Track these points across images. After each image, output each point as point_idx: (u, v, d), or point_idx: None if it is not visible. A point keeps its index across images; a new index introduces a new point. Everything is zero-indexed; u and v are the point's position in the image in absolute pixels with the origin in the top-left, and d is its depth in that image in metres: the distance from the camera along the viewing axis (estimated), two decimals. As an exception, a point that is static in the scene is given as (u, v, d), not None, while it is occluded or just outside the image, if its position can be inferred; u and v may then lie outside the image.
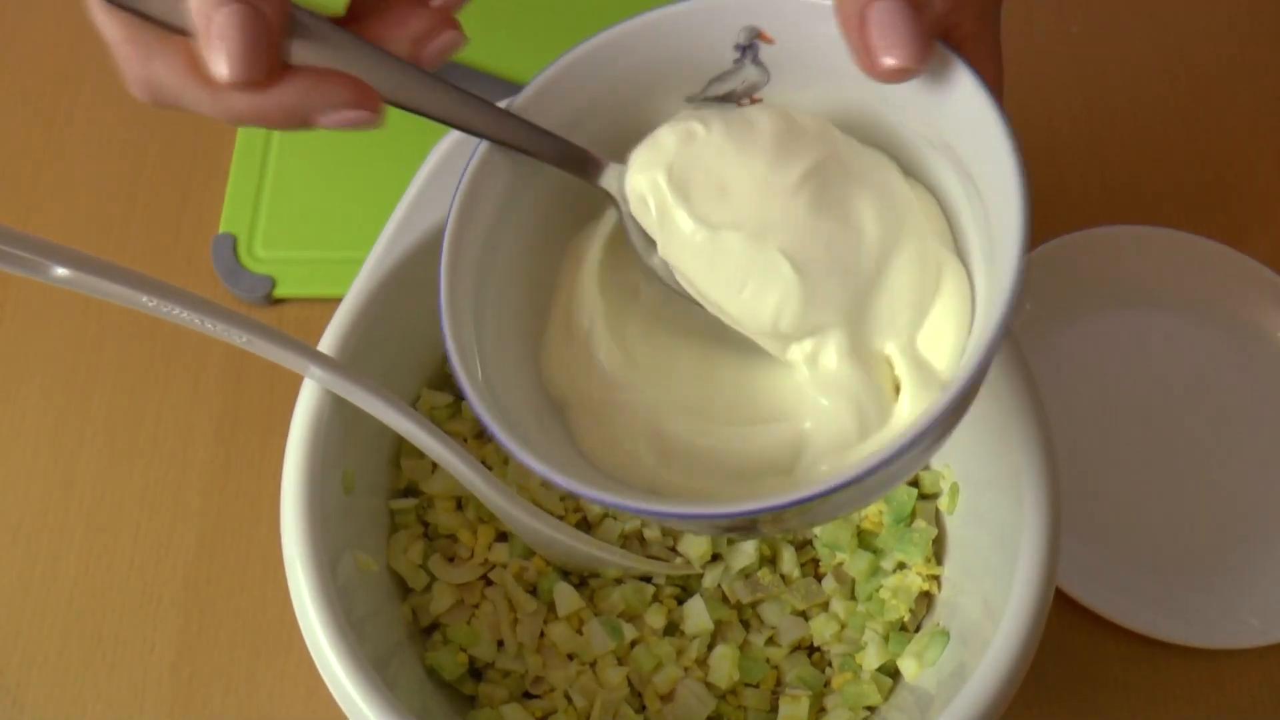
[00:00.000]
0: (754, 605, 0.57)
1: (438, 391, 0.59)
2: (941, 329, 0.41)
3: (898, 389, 0.41)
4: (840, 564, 0.57)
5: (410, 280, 0.53)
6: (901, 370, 0.41)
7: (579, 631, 0.54)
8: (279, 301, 0.73)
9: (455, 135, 0.55)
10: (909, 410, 0.40)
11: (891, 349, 0.41)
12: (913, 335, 0.41)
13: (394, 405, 0.49)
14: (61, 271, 0.39)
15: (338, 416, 0.50)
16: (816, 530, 0.57)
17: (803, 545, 0.58)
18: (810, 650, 0.57)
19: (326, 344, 0.51)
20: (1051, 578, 0.47)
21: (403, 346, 0.56)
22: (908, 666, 0.53)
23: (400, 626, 0.54)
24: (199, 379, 0.71)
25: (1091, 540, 0.66)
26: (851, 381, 0.40)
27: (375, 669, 0.45)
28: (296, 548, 0.47)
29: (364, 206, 0.74)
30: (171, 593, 0.65)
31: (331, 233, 0.75)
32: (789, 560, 0.57)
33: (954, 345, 0.40)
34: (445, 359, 0.57)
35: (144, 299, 0.41)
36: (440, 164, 0.55)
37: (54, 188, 0.78)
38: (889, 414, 0.40)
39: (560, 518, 0.57)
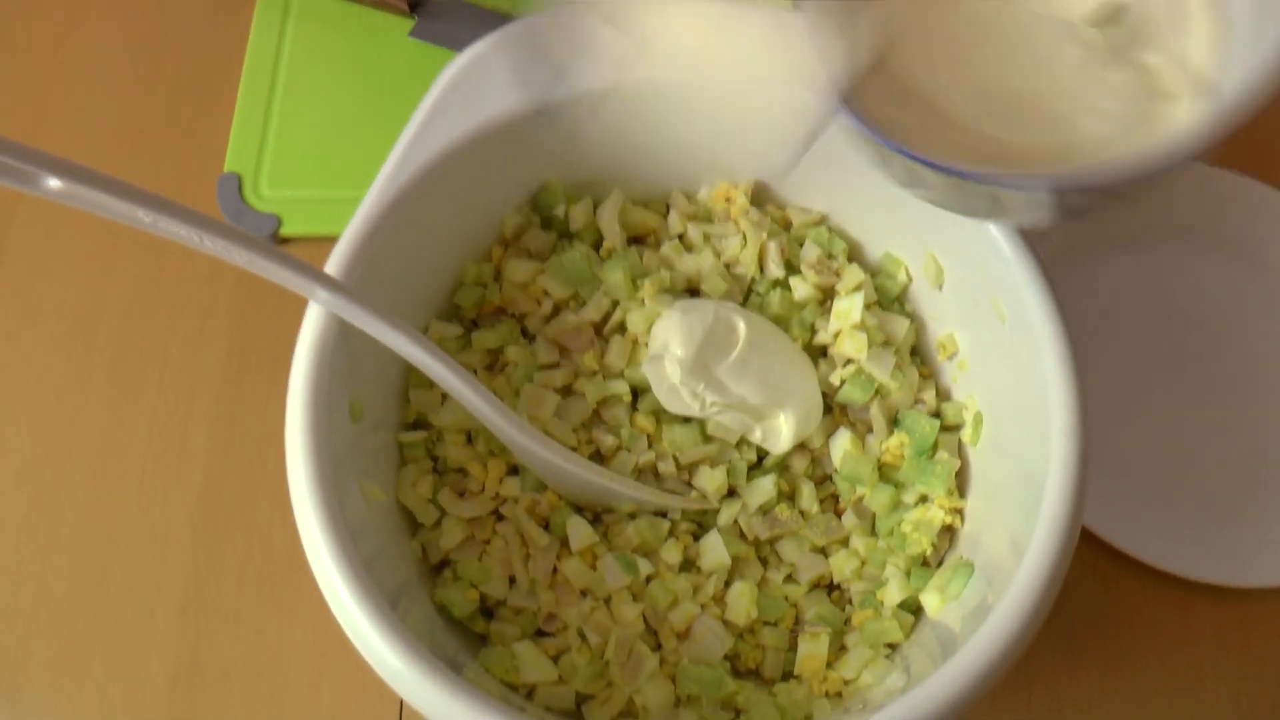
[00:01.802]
0: (772, 542, 0.55)
1: (447, 323, 0.57)
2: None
3: None
4: (860, 498, 0.56)
5: (417, 206, 0.52)
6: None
7: (592, 567, 0.53)
8: (285, 241, 0.72)
9: (463, 61, 0.54)
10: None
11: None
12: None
13: (401, 330, 0.47)
14: (54, 183, 0.38)
15: (344, 343, 0.49)
16: (836, 464, 0.56)
17: (822, 480, 0.57)
18: (830, 588, 0.56)
19: (331, 269, 0.49)
20: (1078, 514, 0.45)
21: (410, 275, 0.54)
22: (930, 601, 0.52)
23: (410, 563, 0.53)
24: (206, 318, 0.70)
25: (1117, 478, 0.64)
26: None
27: (383, 595, 0.44)
28: (303, 474, 0.45)
29: (371, 144, 0.72)
30: (178, 534, 0.64)
31: (338, 171, 0.73)
32: (808, 495, 0.56)
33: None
34: (454, 289, 0.58)
35: (140, 214, 0.40)
36: (448, 89, 0.53)
37: (56, 131, 0.77)
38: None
39: (573, 449, 0.55)
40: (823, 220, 0.60)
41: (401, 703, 0.59)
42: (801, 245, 0.59)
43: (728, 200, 0.59)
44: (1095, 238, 0.70)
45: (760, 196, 0.61)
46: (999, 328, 0.51)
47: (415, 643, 0.43)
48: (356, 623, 0.43)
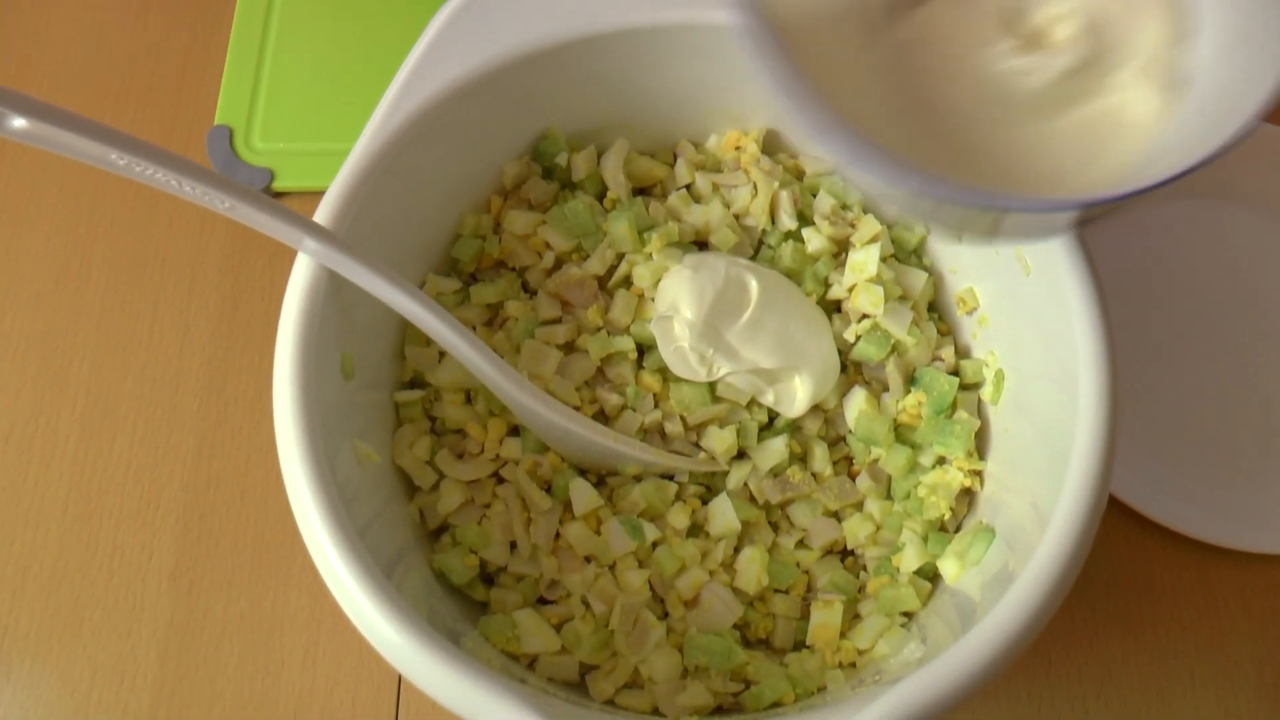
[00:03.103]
0: (783, 506, 0.54)
1: (444, 277, 0.55)
2: None
3: None
4: (875, 460, 0.54)
5: (410, 153, 0.50)
6: None
7: (596, 532, 0.51)
8: (279, 195, 0.70)
9: (455, 4, 0.51)
10: None
11: None
12: None
13: (394, 282, 0.45)
14: (19, 123, 0.36)
15: (335, 296, 0.46)
16: (850, 424, 0.54)
17: (835, 441, 0.55)
18: (844, 554, 0.54)
19: (320, 219, 0.47)
20: (1106, 480, 0.43)
21: (404, 227, 0.52)
22: (948, 568, 0.50)
23: (407, 528, 0.51)
24: (196, 276, 0.68)
25: (1140, 442, 0.62)
26: None
27: (377, 564, 0.42)
28: (291, 432, 0.43)
29: (367, 94, 0.68)
30: (170, 498, 0.62)
31: (333, 122, 0.71)
32: (821, 457, 0.53)
33: None
34: (452, 242, 0.56)
35: (113, 155, 0.38)
36: (442, 31, 0.51)
37: (41, 83, 0.74)
38: None
39: (576, 409, 0.53)
40: (836, 170, 0.57)
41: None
42: (815, 196, 0.57)
43: (738, 149, 0.57)
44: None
45: (772, 144, 0.58)
46: (1023, 280, 0.49)
47: (410, 612, 0.41)
48: (348, 590, 0.41)
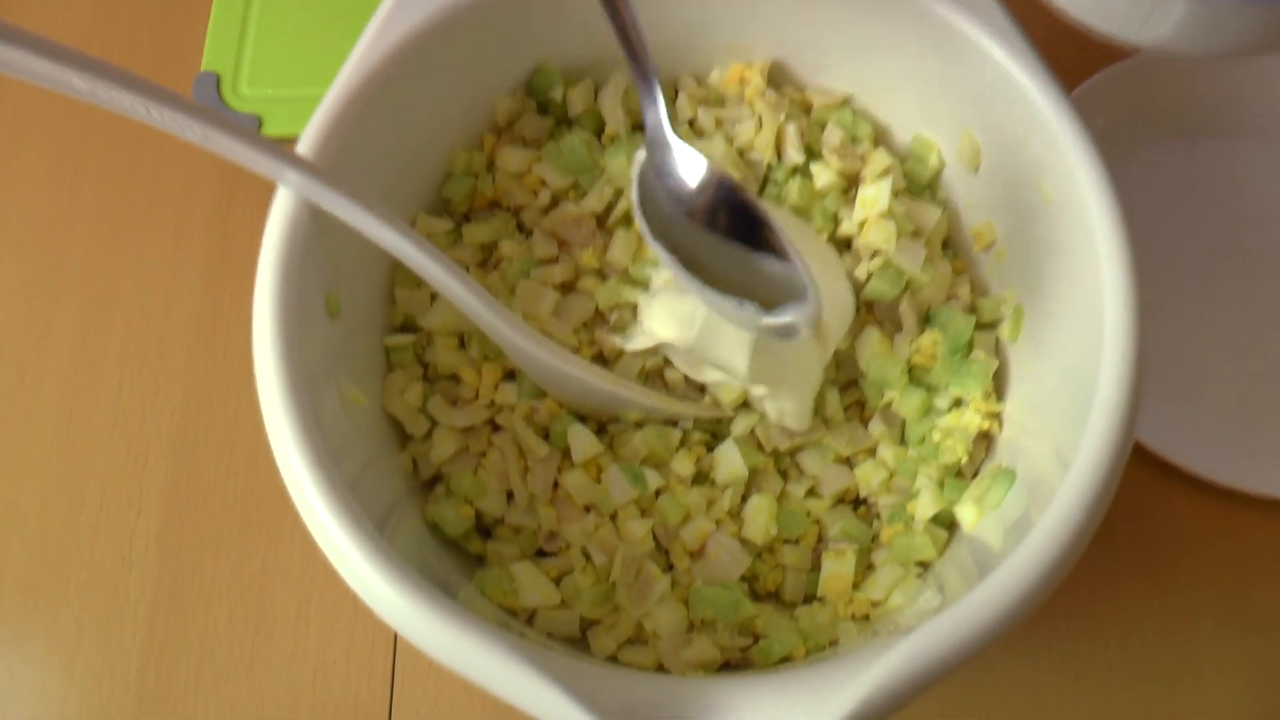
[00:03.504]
0: (792, 453, 0.52)
1: (436, 218, 0.53)
2: None
3: None
4: (889, 404, 0.51)
5: (396, 86, 0.47)
6: None
7: (597, 480, 0.49)
8: (268, 142, 0.67)
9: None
10: None
11: None
12: None
13: (380, 216, 0.43)
14: (-35, 40, 0.33)
15: (317, 232, 0.44)
16: (862, 366, 0.51)
17: (846, 386, 0.53)
18: (856, 502, 0.52)
19: (302, 150, 0.44)
20: (1131, 424, 0.41)
21: (392, 164, 0.50)
22: (966, 514, 0.48)
23: (399, 479, 0.49)
24: (183, 226, 0.66)
25: (1164, 384, 0.59)
26: None
27: (369, 517, 0.40)
28: (273, 374, 0.41)
29: (356, 38, 0.67)
30: (157, 454, 0.61)
31: (321, 68, 0.69)
32: (831, 401, 0.51)
33: None
34: (443, 181, 0.54)
35: (75, 79, 0.35)
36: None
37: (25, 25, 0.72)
38: None
39: (574, 351, 0.51)
40: (846, 102, 0.55)
41: (396, 629, 0.56)
42: (823, 129, 0.54)
43: (742, 82, 0.54)
44: (1149, 125, 0.65)
45: (778, 78, 0.56)
46: (1043, 210, 0.47)
47: (402, 564, 0.39)
48: (334, 541, 0.39)
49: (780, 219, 0.49)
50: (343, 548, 0.39)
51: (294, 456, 0.40)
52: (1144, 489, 0.58)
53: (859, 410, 0.53)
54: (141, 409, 0.62)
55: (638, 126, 0.55)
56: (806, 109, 0.55)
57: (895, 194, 0.51)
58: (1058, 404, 0.46)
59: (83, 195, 0.67)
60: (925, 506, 0.49)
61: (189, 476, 0.60)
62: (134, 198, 0.67)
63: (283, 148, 0.42)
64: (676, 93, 0.56)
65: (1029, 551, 0.39)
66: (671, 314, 0.49)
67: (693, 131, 0.55)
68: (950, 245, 0.54)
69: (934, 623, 0.37)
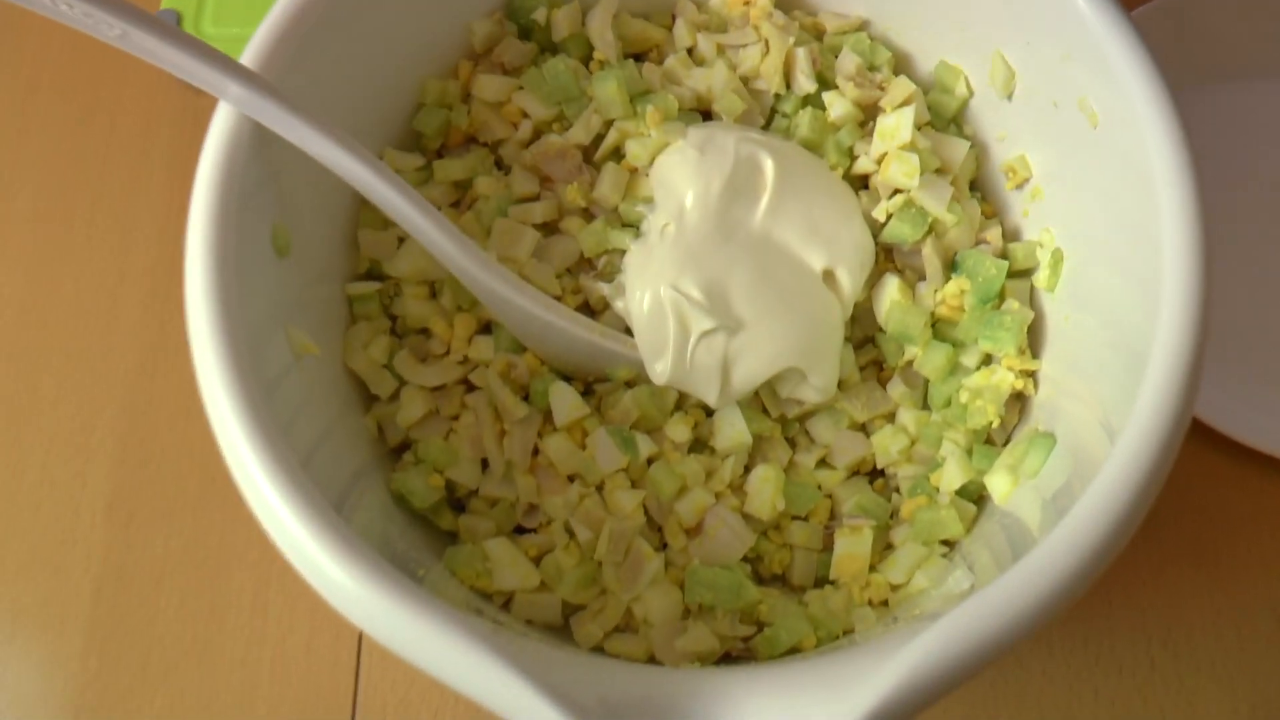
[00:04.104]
0: (802, 419, 0.48)
1: (405, 153, 0.49)
2: None
3: None
4: (910, 362, 0.47)
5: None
6: None
7: (582, 446, 0.45)
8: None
9: None
10: None
11: None
12: None
13: (339, 140, 0.39)
14: None
15: (264, 160, 0.40)
16: (881, 320, 0.47)
17: (862, 343, 0.48)
18: (873, 474, 0.48)
19: (248, 61, 0.40)
20: (1192, 389, 0.36)
21: (355, 92, 0.45)
22: (998, 484, 0.43)
23: (362, 446, 0.45)
24: (140, 172, 0.62)
25: (1219, 348, 0.55)
26: None
27: (325, 497, 0.35)
28: (205, 324, 0.36)
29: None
30: (107, 421, 0.57)
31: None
32: (846, 361, 0.47)
33: None
34: (413, 113, 0.49)
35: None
36: None
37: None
38: None
39: (557, 299, 0.47)
40: (862, 27, 0.51)
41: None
42: (836, 57, 0.50)
43: (746, 3, 0.50)
44: (1184, 68, 0.60)
45: (786, 1, 0.51)
46: (1088, 135, 0.42)
47: (358, 542, 0.34)
48: (279, 519, 0.34)
49: (790, 158, 0.46)
50: (288, 526, 0.34)
51: (233, 424, 0.35)
52: (1189, 461, 0.52)
53: (876, 370, 0.49)
54: (90, 372, 0.58)
55: (631, 53, 0.51)
56: (818, 35, 0.51)
57: (918, 127, 0.47)
58: (1102, 363, 0.41)
59: (31, 142, 0.63)
60: (951, 477, 0.45)
61: (140, 446, 0.56)
62: (87, 142, 0.63)
63: (223, 54, 0.37)
64: (674, 19, 0.51)
65: (1073, 529, 0.34)
66: (692, 170, 0.46)
67: (691, 60, 0.50)
68: (978, 189, 0.50)
69: (965, 608, 0.33)
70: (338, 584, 0.33)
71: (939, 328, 0.47)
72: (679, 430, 0.45)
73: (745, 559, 0.45)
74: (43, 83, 0.64)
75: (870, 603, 0.44)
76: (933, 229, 0.47)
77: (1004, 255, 0.47)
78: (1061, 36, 0.42)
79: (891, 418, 0.48)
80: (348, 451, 0.43)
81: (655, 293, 0.44)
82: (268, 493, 0.34)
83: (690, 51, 0.50)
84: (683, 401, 0.47)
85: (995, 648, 0.32)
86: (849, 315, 0.47)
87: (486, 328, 0.47)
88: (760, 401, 0.47)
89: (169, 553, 0.54)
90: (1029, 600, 0.33)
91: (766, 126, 0.50)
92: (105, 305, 0.59)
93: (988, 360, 0.46)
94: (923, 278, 0.47)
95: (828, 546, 0.46)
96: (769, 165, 0.46)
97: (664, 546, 0.45)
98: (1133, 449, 0.35)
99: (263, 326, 0.39)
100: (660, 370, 0.45)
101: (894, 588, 0.44)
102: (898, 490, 0.47)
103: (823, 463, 0.47)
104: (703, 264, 0.45)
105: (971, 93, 0.49)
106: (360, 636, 0.52)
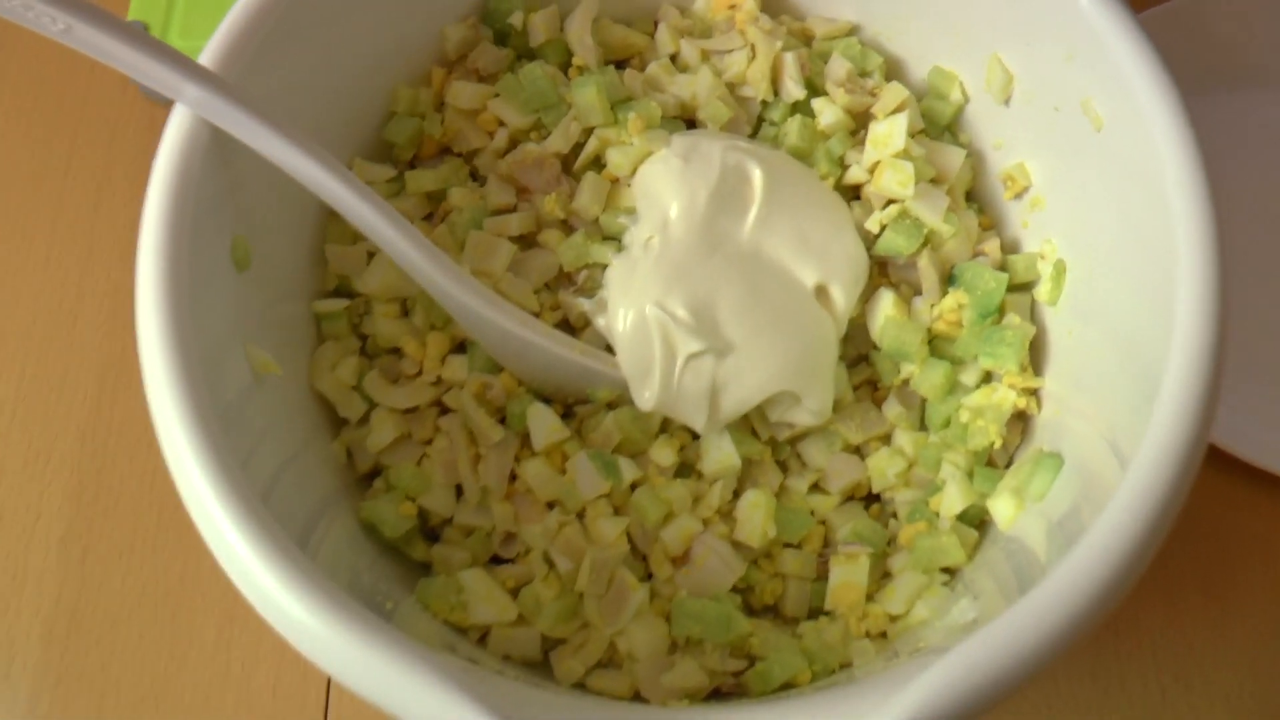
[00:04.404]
0: (793, 442, 0.46)
1: (376, 164, 0.47)
2: None
3: None
4: (906, 380, 0.46)
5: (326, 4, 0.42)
6: None
7: (561, 471, 0.44)
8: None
9: None
10: None
11: None
12: None
13: (301, 146, 0.37)
14: None
15: (223, 167, 0.38)
16: (875, 336, 0.46)
17: (856, 361, 0.47)
18: (868, 498, 0.47)
19: (206, 61, 0.39)
20: (1209, 411, 0.34)
21: (323, 100, 0.44)
22: (1002, 509, 0.42)
23: (329, 473, 0.43)
24: (103, 188, 0.60)
25: (1230, 365, 0.53)
26: None
27: (287, 530, 0.34)
28: (157, 345, 0.34)
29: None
30: (63, 449, 0.55)
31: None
32: (839, 380, 0.46)
33: None
34: (384, 121, 0.47)
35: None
36: None
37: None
38: None
39: (535, 315, 0.45)
40: (853, 32, 0.50)
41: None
42: (826, 62, 0.49)
43: (732, 8, 0.49)
44: (1190, 75, 0.58)
45: (773, 5, 0.50)
46: (1092, 140, 0.41)
47: (321, 580, 0.32)
48: (233, 549, 0.33)
49: (779, 167, 0.45)
50: (246, 563, 0.33)
51: (186, 451, 0.34)
52: (1201, 485, 0.50)
53: (870, 390, 0.48)
54: (47, 397, 0.55)
55: (611, 59, 0.50)
56: (807, 40, 0.50)
57: (912, 135, 0.46)
58: (1110, 379, 0.40)
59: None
60: (952, 501, 0.43)
61: (98, 476, 0.54)
62: (48, 157, 0.61)
63: (177, 51, 0.36)
64: (656, 24, 0.50)
65: (1085, 560, 0.32)
66: (676, 181, 0.44)
67: (675, 67, 0.49)
68: (975, 200, 0.49)
69: (972, 643, 0.31)
70: (299, 624, 0.32)
71: (936, 344, 0.46)
72: (664, 454, 0.44)
73: (735, 589, 0.43)
74: (1, 94, 0.62)
75: (868, 634, 0.43)
76: (928, 241, 0.45)
77: (1003, 268, 0.46)
78: (1064, 36, 0.41)
79: (887, 439, 0.46)
80: (313, 479, 0.42)
81: (639, 311, 0.43)
82: (224, 527, 0.33)
83: (673, 58, 0.49)
84: (668, 424, 0.45)
85: (1005, 687, 0.31)
86: (843, 333, 0.45)
87: (461, 347, 0.46)
88: (750, 423, 0.45)
89: (126, 590, 0.52)
90: (1040, 636, 0.31)
91: (754, 135, 0.49)
92: (64, 326, 0.57)
93: (988, 378, 0.45)
94: (918, 292, 0.46)
95: (822, 575, 0.44)
96: (757, 175, 0.45)
97: (649, 577, 0.43)
98: (1147, 476, 0.33)
99: (220, 345, 0.37)
100: (647, 398, 0.43)
101: (893, 618, 0.42)
102: (895, 516, 0.46)
103: (816, 487, 0.46)
104: (689, 280, 0.43)
105: (967, 98, 0.48)
106: (330, 677, 0.50)
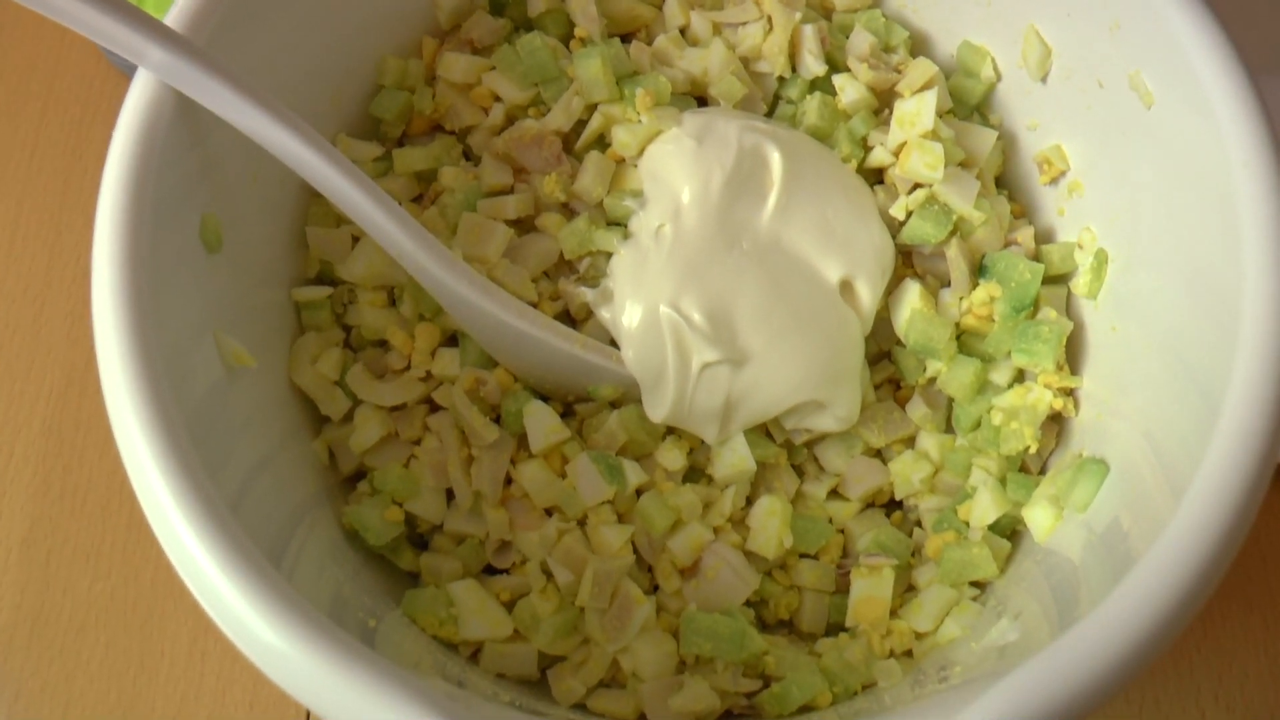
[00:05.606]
0: (810, 444, 0.45)
1: (362, 141, 0.45)
2: None
3: None
4: (932, 379, 0.45)
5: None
6: None
7: (561, 475, 0.43)
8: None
9: None
10: None
11: None
12: None
13: (280, 118, 0.35)
14: None
15: (190, 138, 0.36)
16: (899, 331, 0.44)
17: (878, 358, 0.45)
18: (891, 505, 0.46)
19: (173, 21, 0.36)
20: (1275, 436, 0.32)
21: (303, 66, 0.42)
22: (1038, 519, 0.40)
23: (309, 475, 0.42)
24: (73, 171, 0.58)
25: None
26: None
27: (258, 543, 0.32)
28: (113, 336, 0.33)
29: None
30: (26, 445, 0.53)
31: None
32: (862, 380, 0.44)
33: None
34: (371, 95, 0.45)
35: None
36: None
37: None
38: None
39: (532, 305, 0.44)
40: (877, 3, 0.48)
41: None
42: (848, 36, 0.47)
43: None
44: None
45: None
46: (1140, 118, 0.39)
47: (295, 598, 0.31)
48: (197, 565, 0.31)
49: (799, 150, 0.44)
50: (212, 580, 0.31)
51: (144, 454, 0.32)
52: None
53: (893, 389, 0.46)
54: (9, 392, 0.54)
55: (616, 33, 0.48)
56: (827, 13, 0.48)
57: (940, 115, 0.44)
58: (1156, 381, 0.38)
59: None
60: (984, 510, 0.42)
61: (64, 474, 0.52)
62: (14, 137, 0.59)
63: (141, 11, 0.34)
64: None
65: (1141, 589, 0.31)
66: (690, 164, 0.43)
67: (685, 40, 0.47)
68: (1005, 186, 0.47)
69: (1021, 675, 0.30)
70: (270, 648, 0.30)
71: (965, 340, 0.44)
72: (672, 457, 0.43)
73: (748, 603, 0.42)
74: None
75: (893, 653, 0.42)
76: (957, 228, 0.44)
77: (1037, 258, 0.44)
78: (1109, 2, 0.39)
79: (911, 442, 0.45)
80: (291, 483, 0.40)
81: (651, 309, 0.42)
82: (188, 542, 0.31)
83: (683, 31, 0.48)
84: (675, 424, 0.44)
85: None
86: (868, 331, 0.44)
87: (452, 339, 0.45)
88: (764, 425, 0.44)
89: (93, 596, 0.50)
90: (1094, 673, 0.30)
91: (770, 113, 0.47)
92: (29, 315, 0.55)
93: (1021, 377, 0.44)
94: (946, 283, 0.45)
95: (840, 589, 0.43)
96: (776, 159, 0.43)
97: (655, 589, 0.42)
98: (1208, 505, 0.32)
99: (188, 336, 0.35)
100: (659, 411, 0.42)
101: (919, 636, 0.41)
102: (919, 524, 0.45)
103: (834, 493, 0.45)
104: (705, 279, 0.42)
105: (999, 76, 0.46)
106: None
